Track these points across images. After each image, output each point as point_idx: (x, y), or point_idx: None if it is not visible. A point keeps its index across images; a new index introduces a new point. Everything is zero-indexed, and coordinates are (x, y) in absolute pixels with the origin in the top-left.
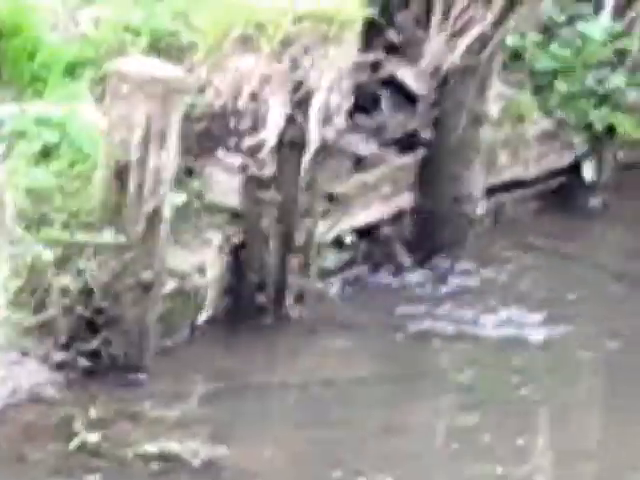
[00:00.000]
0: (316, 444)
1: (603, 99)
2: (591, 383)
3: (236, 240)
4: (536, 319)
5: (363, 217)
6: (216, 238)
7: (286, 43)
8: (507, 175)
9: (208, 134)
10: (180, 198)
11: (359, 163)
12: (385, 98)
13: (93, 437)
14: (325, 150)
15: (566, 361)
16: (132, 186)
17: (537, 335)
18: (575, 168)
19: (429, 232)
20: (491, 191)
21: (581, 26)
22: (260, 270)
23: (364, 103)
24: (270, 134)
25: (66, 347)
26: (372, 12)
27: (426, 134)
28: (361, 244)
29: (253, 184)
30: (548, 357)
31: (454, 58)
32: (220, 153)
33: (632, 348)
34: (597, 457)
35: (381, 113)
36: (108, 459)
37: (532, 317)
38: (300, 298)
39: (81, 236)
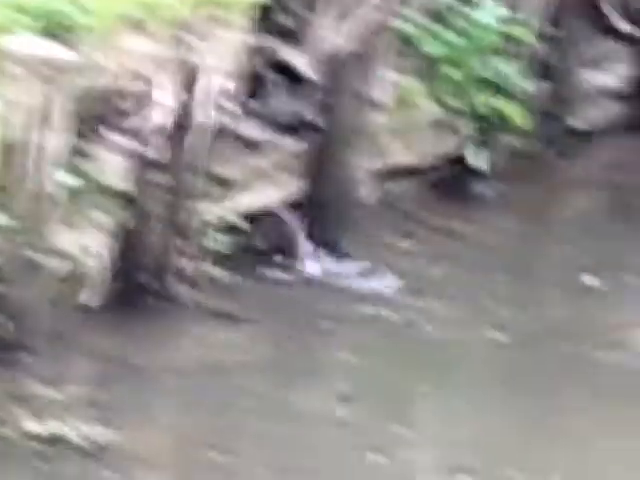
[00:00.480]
0: (199, 427)
1: (497, 87)
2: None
3: (126, 222)
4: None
5: (254, 201)
6: (107, 221)
7: (177, 25)
8: (397, 161)
9: (101, 117)
10: (71, 180)
11: (251, 148)
12: (278, 84)
13: None
14: (215, 133)
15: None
16: (16, 165)
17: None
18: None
19: (319, 218)
20: (380, 177)
21: (471, 12)
22: (145, 252)
23: (256, 88)
24: (158, 116)
25: None
26: None
27: (317, 120)
28: (255, 229)
29: (143, 166)
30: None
31: (340, 42)
32: (111, 135)
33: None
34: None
35: (274, 98)
36: None
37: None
38: (187, 281)
39: None
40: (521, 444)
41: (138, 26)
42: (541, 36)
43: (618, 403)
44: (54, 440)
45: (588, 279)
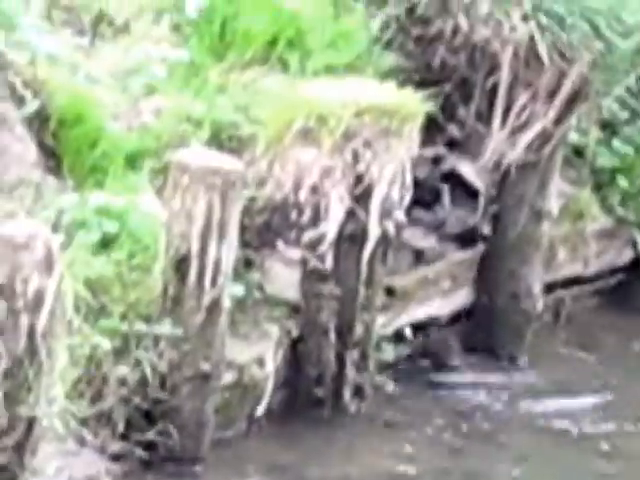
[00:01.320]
0: None
1: None
2: None
3: (294, 333)
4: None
5: (422, 312)
6: (275, 331)
7: (347, 136)
8: (566, 272)
9: (268, 227)
10: (239, 290)
11: (419, 257)
12: (446, 193)
13: None
14: (385, 244)
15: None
16: (192, 277)
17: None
18: (635, 265)
19: (488, 329)
20: (550, 288)
21: None
22: (318, 364)
23: (424, 197)
24: (330, 227)
25: (123, 438)
26: (433, 106)
27: (486, 229)
28: (419, 339)
29: (312, 277)
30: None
31: (515, 154)
32: (280, 246)
33: None
34: None
35: (441, 208)
36: None
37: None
38: (358, 392)
39: (139, 326)
40: None
41: (307, 136)
42: None
43: None
44: None
45: None
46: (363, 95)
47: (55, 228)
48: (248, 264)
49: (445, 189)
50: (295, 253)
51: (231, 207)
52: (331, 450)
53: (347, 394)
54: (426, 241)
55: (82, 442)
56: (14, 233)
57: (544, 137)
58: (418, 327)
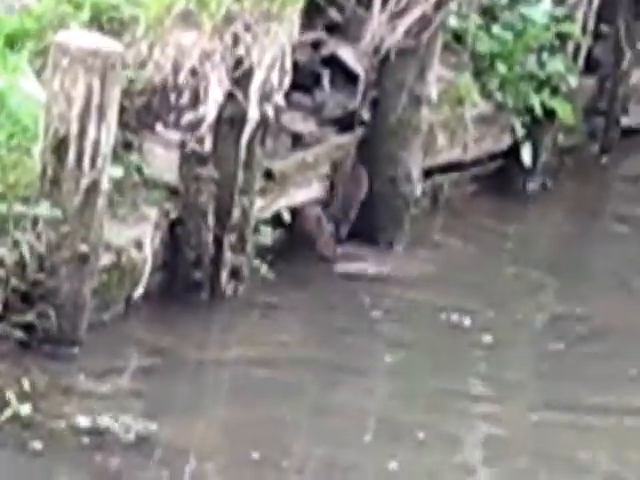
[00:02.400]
0: (246, 422)
1: (543, 83)
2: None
3: (173, 216)
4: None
5: (301, 195)
6: (153, 213)
7: (228, 19)
8: (445, 157)
9: (148, 109)
10: (118, 172)
11: (298, 141)
12: (325, 77)
13: (25, 409)
14: (264, 127)
15: None
16: (71, 159)
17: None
18: (513, 151)
19: (366, 214)
20: (429, 173)
21: (523, 9)
22: (196, 246)
23: (304, 81)
24: (209, 110)
25: (0, 319)
26: None
27: (365, 114)
28: (295, 223)
29: (191, 160)
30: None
31: (395, 38)
32: (159, 128)
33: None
34: None
35: (321, 92)
36: (39, 431)
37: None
38: (235, 275)
39: (18, 208)
40: None
41: (188, 19)
42: (587, 31)
43: None
44: (100, 432)
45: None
46: None
47: None
48: (127, 146)
49: (325, 73)
50: (174, 135)
51: (110, 89)
52: (208, 333)
53: (224, 277)
54: (305, 125)
55: None
56: None
57: (424, 22)
58: (296, 211)
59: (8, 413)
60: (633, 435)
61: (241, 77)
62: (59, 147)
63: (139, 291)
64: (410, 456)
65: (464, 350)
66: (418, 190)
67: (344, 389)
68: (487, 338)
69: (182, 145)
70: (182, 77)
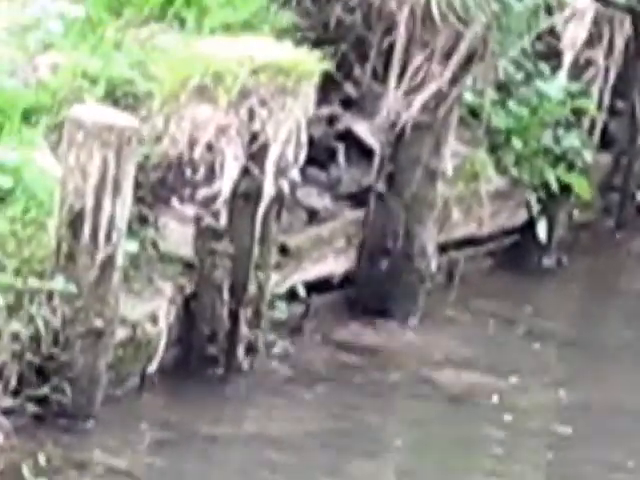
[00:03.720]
0: None
1: (558, 158)
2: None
3: (188, 290)
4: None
5: (316, 271)
6: (168, 288)
7: (243, 94)
8: (460, 232)
9: (163, 183)
10: (133, 246)
11: (313, 217)
12: (341, 152)
13: None
14: (279, 202)
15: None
16: (86, 234)
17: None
18: (529, 227)
19: (381, 288)
20: (444, 248)
21: (539, 85)
22: (211, 321)
23: (319, 156)
24: (224, 185)
25: (15, 393)
26: (329, 65)
27: (380, 189)
28: (313, 298)
29: (207, 235)
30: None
31: (410, 113)
32: (175, 203)
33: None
34: None
35: (336, 167)
36: None
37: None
38: (251, 350)
39: (33, 283)
40: None
41: (203, 93)
42: (602, 107)
43: None
44: None
45: None
46: (259, 53)
47: None
48: (142, 221)
49: (340, 148)
50: (189, 210)
51: (126, 163)
52: (223, 408)
53: (240, 352)
54: (320, 200)
55: None
56: None
57: (439, 97)
58: (312, 286)
59: None
60: None
61: (257, 152)
62: (74, 222)
63: (154, 365)
64: None
65: (480, 428)
66: (433, 265)
67: (359, 465)
68: (507, 417)
69: (197, 220)
70: (197, 152)
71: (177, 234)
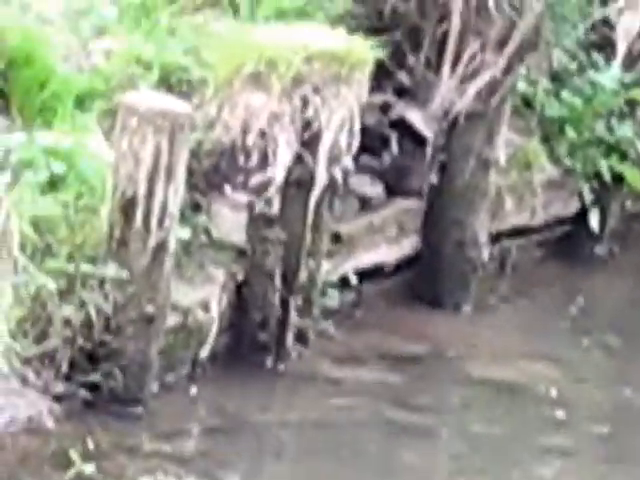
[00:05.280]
0: None
1: (612, 149)
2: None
3: (240, 277)
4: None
5: (368, 259)
6: (220, 275)
7: (297, 82)
8: (513, 221)
9: (216, 170)
10: (185, 233)
11: (365, 205)
12: (393, 140)
13: (89, 468)
14: (332, 190)
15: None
16: (138, 219)
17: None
18: (581, 217)
19: (433, 277)
20: (496, 237)
21: (592, 75)
22: (263, 308)
23: (372, 144)
24: (277, 172)
25: (66, 378)
26: (383, 54)
27: (433, 178)
28: (364, 286)
29: (259, 222)
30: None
31: (464, 102)
32: (227, 190)
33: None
34: None
35: (389, 155)
36: None
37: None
38: (301, 338)
39: (85, 268)
40: None
41: (257, 81)
42: None
43: None
44: None
45: None
46: (313, 41)
47: (2, 167)
48: (195, 207)
49: (393, 137)
50: (242, 197)
51: (179, 150)
52: (273, 395)
53: (290, 339)
54: (373, 188)
55: (25, 382)
56: None
57: (493, 86)
58: (364, 274)
59: (72, 472)
60: None
61: (309, 139)
62: (126, 207)
63: (205, 352)
64: None
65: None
66: (485, 254)
67: (409, 451)
68: (559, 413)
69: (250, 207)
70: (250, 139)
71: (229, 221)
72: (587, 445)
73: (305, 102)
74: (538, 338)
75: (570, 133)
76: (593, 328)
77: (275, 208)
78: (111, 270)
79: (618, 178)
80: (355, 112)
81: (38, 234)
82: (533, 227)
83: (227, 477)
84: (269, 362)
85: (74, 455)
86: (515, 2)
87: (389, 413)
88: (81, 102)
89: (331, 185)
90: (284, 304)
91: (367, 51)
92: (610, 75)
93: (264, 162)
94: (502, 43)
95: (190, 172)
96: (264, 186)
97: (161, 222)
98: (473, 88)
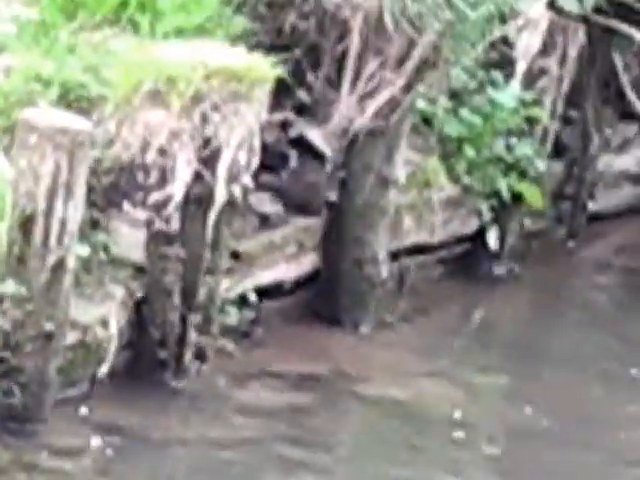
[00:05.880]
0: None
1: (510, 167)
2: None
3: (139, 294)
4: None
5: (267, 276)
6: (119, 292)
7: (196, 99)
8: (412, 240)
9: (115, 187)
10: (84, 250)
11: (265, 222)
12: (293, 158)
13: None
14: (231, 208)
15: None
16: (37, 237)
17: None
18: (480, 235)
19: (332, 295)
20: (395, 255)
21: (491, 93)
22: (162, 326)
23: (272, 162)
24: (176, 190)
25: None
26: (283, 71)
27: (332, 195)
28: (264, 303)
29: (158, 239)
30: None
31: (363, 120)
32: (126, 207)
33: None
34: None
35: (288, 172)
36: None
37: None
38: (201, 355)
39: None
40: None
41: (156, 98)
42: (555, 116)
43: None
44: None
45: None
46: (213, 58)
47: None
48: (94, 224)
49: (293, 154)
50: (141, 214)
51: (78, 167)
52: (171, 413)
53: (189, 357)
54: (272, 206)
55: None
56: None
57: (392, 104)
58: (263, 292)
59: None
60: None
61: (209, 157)
62: (26, 224)
63: (104, 369)
64: None
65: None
66: (384, 272)
67: (304, 470)
68: (458, 434)
69: (149, 224)
70: (150, 156)
71: (129, 238)
72: (482, 464)
73: (205, 119)
74: (437, 357)
75: (469, 151)
76: (492, 347)
77: (174, 225)
78: (10, 287)
79: (517, 197)
80: (255, 129)
81: None
82: (432, 245)
83: None
84: (168, 379)
85: None
86: (414, 20)
87: (285, 432)
88: None
89: (230, 202)
90: (183, 321)
91: (267, 69)
92: (509, 93)
93: (163, 179)
94: (401, 61)
95: (89, 189)
96: (163, 203)
97: (60, 239)
98: (372, 106)
